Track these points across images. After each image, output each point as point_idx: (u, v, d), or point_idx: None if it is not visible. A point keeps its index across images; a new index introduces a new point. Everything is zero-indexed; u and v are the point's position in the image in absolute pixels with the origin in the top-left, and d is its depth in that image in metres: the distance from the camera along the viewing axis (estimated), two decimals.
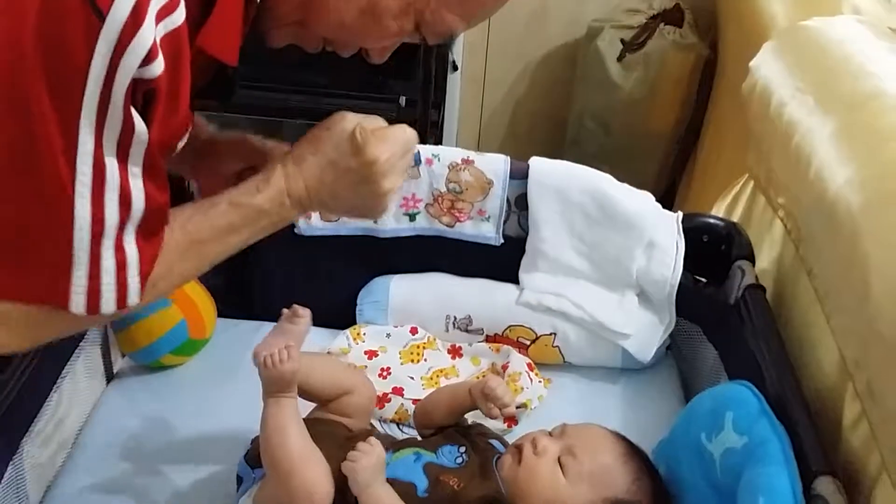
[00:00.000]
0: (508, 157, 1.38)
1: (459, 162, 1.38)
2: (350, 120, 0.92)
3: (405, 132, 0.94)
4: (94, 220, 0.73)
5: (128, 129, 0.72)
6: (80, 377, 1.24)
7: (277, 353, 1.04)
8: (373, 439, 1.03)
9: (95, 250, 0.74)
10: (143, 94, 0.72)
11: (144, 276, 0.79)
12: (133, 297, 0.78)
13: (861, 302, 1.04)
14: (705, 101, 2.28)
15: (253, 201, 0.88)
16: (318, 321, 1.44)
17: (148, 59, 0.69)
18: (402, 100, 2.07)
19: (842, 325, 1.10)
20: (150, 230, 0.79)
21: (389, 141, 0.91)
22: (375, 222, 1.39)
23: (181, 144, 0.85)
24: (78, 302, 0.75)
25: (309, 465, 1.01)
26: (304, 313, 1.15)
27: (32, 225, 0.72)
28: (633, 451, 1.11)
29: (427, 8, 0.85)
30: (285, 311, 1.14)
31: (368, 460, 1.00)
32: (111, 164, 0.72)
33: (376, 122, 0.93)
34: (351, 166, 0.90)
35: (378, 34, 0.87)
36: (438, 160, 1.38)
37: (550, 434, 1.12)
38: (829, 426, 1.08)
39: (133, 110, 0.72)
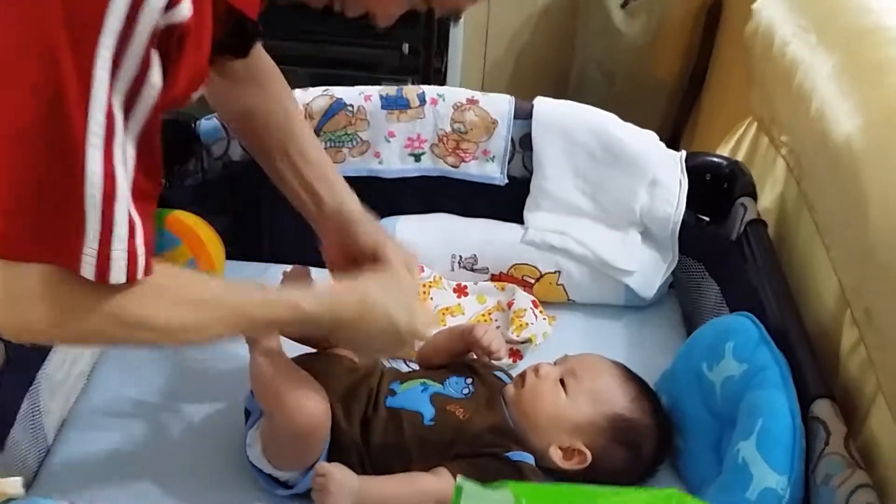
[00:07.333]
0: (513, 98, 1.40)
1: (464, 102, 1.39)
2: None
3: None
4: (106, 176, 0.68)
5: (140, 79, 0.68)
6: None
7: None
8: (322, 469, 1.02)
9: (108, 210, 0.69)
10: (172, 41, 0.69)
11: (148, 247, 0.74)
12: (140, 269, 0.73)
13: (860, 233, 1.05)
14: (709, 48, 2.28)
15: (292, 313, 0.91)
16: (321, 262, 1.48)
17: (171, 2, 0.66)
18: (406, 47, 2.07)
19: (841, 255, 1.12)
20: (143, 199, 0.73)
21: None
22: (381, 163, 1.41)
23: (196, 96, 0.83)
24: (88, 267, 0.70)
25: (296, 385, 1.03)
26: (303, 272, 1.16)
27: (47, 180, 0.68)
28: (632, 375, 1.14)
29: None
30: (284, 271, 1.16)
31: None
32: (119, 115, 0.68)
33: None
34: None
35: (385, 2, 0.86)
36: (443, 100, 1.39)
37: (553, 364, 1.15)
38: (827, 353, 1.10)
39: (155, 59, 0.68)
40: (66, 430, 1.17)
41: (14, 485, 0.79)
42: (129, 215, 0.71)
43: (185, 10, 0.67)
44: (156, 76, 0.68)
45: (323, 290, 0.96)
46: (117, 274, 0.72)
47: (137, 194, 0.72)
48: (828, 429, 0.96)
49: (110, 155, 0.68)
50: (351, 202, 1.10)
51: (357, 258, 1.07)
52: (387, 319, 0.97)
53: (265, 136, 1.11)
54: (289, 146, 1.10)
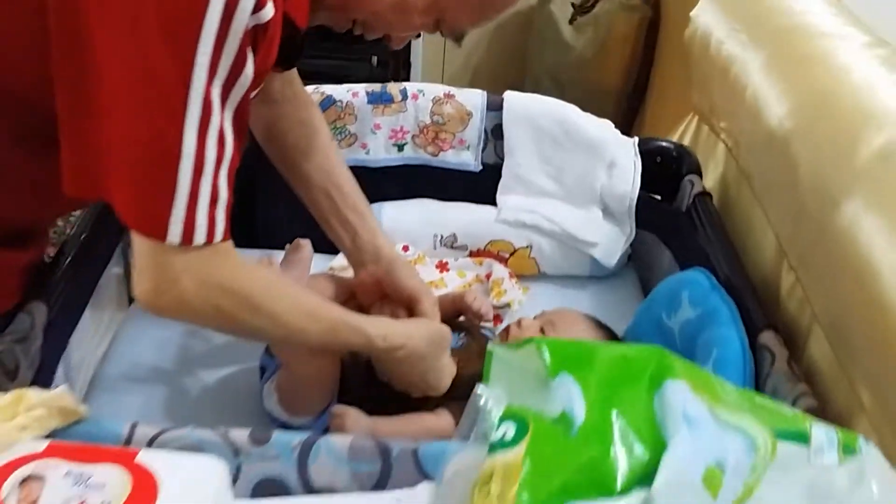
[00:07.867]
0: (485, 92, 1.56)
1: (442, 96, 1.55)
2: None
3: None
4: (197, 155, 0.78)
5: (236, 71, 0.78)
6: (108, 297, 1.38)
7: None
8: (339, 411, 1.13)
9: (196, 183, 0.79)
10: (257, 38, 0.78)
11: (228, 217, 0.85)
12: (219, 233, 0.84)
13: (793, 192, 1.23)
14: (651, 58, 2.48)
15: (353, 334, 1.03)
16: (319, 247, 1.61)
17: (259, 5, 0.76)
18: (374, 59, 2.23)
19: (777, 214, 1.30)
20: (231, 176, 0.84)
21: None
22: (367, 154, 1.56)
23: (253, 94, 0.93)
24: (175, 232, 0.80)
25: None
26: (305, 243, 1.31)
27: (147, 155, 0.79)
28: (601, 324, 1.31)
29: (448, 10, 0.96)
30: (288, 245, 1.30)
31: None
32: (216, 103, 0.78)
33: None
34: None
35: (403, 26, 0.98)
36: (423, 95, 1.55)
37: (533, 319, 1.31)
38: (769, 297, 1.27)
39: (249, 55, 0.78)
40: (90, 396, 1.27)
41: (85, 408, 0.90)
42: (214, 187, 0.82)
43: (269, 11, 0.79)
44: (249, 69, 0.79)
45: (387, 326, 1.08)
46: (199, 236, 0.82)
47: (231, 167, 0.84)
48: (773, 353, 1.12)
49: (203, 136, 0.79)
50: (386, 243, 1.22)
51: (389, 295, 1.19)
52: (423, 372, 1.11)
53: (294, 156, 1.22)
54: (323, 176, 1.21)
